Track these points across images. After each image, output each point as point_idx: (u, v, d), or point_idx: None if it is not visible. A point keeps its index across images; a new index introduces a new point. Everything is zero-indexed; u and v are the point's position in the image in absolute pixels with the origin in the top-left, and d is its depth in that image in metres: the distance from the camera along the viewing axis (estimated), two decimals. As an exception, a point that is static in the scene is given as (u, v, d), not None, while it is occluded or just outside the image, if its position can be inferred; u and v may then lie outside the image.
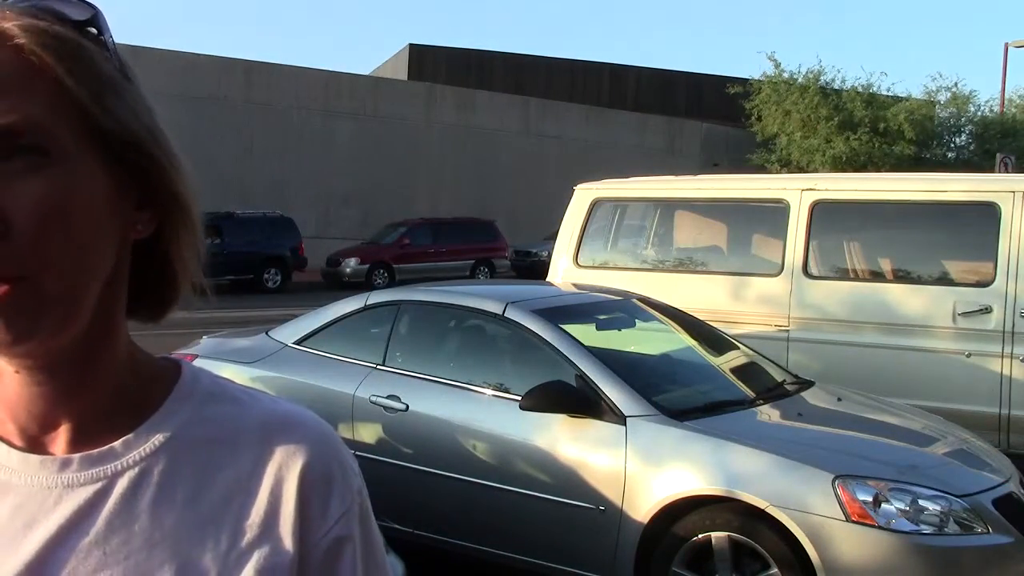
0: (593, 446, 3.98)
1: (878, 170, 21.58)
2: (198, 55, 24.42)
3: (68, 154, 0.65)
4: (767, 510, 3.57)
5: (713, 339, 5.27)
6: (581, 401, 4.04)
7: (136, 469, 0.72)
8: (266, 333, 5.26)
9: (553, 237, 7.90)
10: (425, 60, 34.73)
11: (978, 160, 25.66)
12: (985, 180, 6.48)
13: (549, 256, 7.93)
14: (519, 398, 4.12)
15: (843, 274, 6.42)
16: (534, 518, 4.09)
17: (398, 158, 26.95)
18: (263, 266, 20.35)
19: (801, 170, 23.56)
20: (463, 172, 28.19)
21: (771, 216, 6.55)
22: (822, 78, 26.08)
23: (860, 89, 25.92)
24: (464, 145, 28.32)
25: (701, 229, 7.49)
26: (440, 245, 22.38)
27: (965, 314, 5.70)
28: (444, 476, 4.31)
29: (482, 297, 4.84)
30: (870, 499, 3.52)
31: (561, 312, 4.71)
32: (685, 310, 5.50)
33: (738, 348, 5.18)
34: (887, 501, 3.54)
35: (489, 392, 4.37)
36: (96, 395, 0.72)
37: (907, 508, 3.54)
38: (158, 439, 0.73)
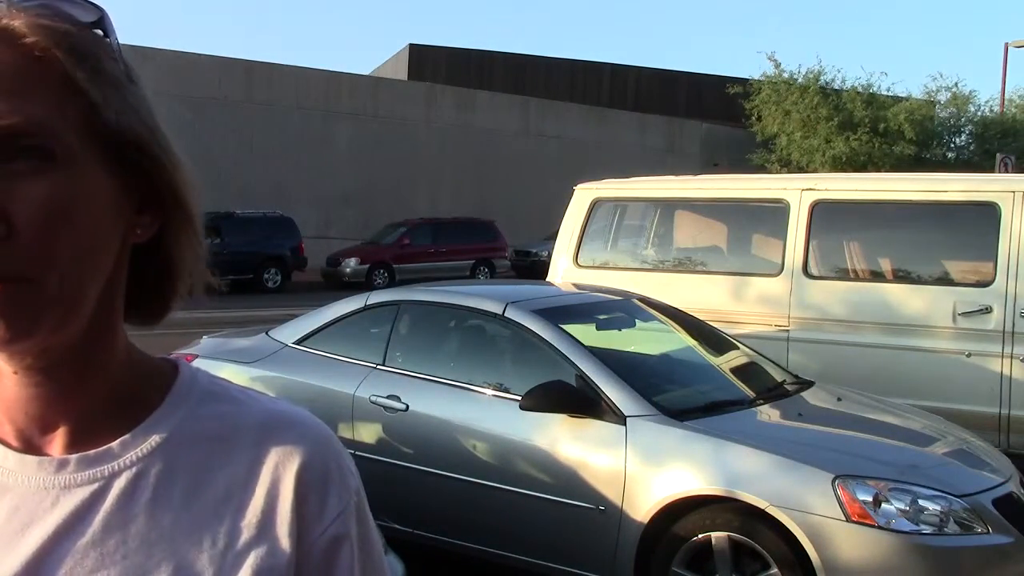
0: (593, 446, 3.98)
1: (878, 170, 21.58)
2: (198, 55, 24.42)
3: (73, 156, 0.65)
4: (767, 510, 3.57)
5: (713, 339, 5.27)
6: (581, 401, 4.04)
7: (133, 470, 0.72)
8: (266, 333, 5.26)
9: (553, 237, 7.90)
10: (425, 60, 34.73)
11: (978, 160, 25.66)
12: (985, 180, 6.48)
13: (549, 256, 7.92)
14: (519, 398, 4.12)
15: (843, 274, 6.42)
16: (534, 518, 4.09)
17: (398, 158, 26.95)
18: (263, 266, 20.35)
19: (801, 170, 23.56)
20: (463, 172, 28.19)
21: (771, 216, 6.55)
22: (822, 78, 26.09)
23: (860, 89, 25.92)
24: (464, 145, 28.32)
25: (701, 229, 7.49)
26: (440, 245, 22.37)
27: (965, 314, 5.70)
28: (444, 476, 4.31)
29: (482, 297, 4.84)
30: (870, 499, 3.52)
31: (561, 312, 4.71)
32: (685, 310, 5.50)
33: (738, 348, 5.18)
34: (887, 501, 3.54)
35: (489, 392, 4.37)
36: (94, 396, 0.72)
37: (907, 508, 3.54)
38: (155, 440, 0.73)
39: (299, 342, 5.03)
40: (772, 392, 4.65)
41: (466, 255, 22.51)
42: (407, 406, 4.47)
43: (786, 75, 26.13)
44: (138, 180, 0.70)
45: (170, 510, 0.71)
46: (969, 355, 5.66)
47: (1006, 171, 17.19)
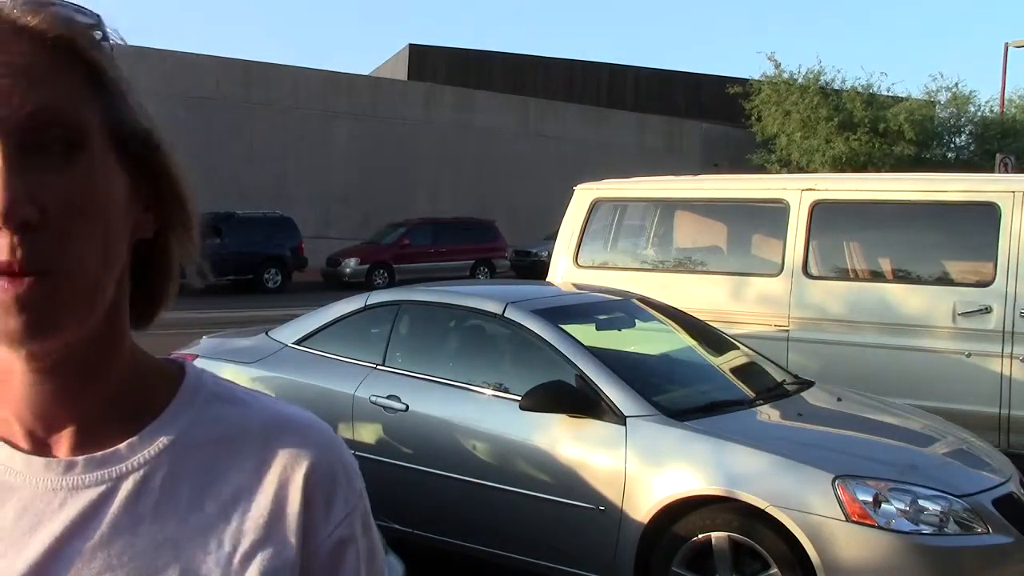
0: (593, 446, 3.98)
1: (878, 170, 21.58)
2: (198, 55, 24.42)
3: (97, 148, 0.67)
4: (767, 510, 3.57)
5: (713, 339, 5.27)
6: (581, 401, 4.04)
7: (140, 472, 0.72)
8: (266, 333, 5.26)
9: (553, 237, 7.90)
10: (425, 60, 34.73)
11: (978, 160, 25.66)
12: (985, 180, 6.48)
13: (549, 256, 7.92)
14: (519, 398, 4.12)
15: (843, 274, 6.42)
16: (534, 518, 4.09)
17: (398, 158, 26.95)
18: (263, 266, 20.36)
19: (801, 170, 23.56)
20: (463, 172, 28.19)
21: (771, 216, 6.55)
22: (822, 78, 26.09)
23: (860, 89, 25.92)
24: (464, 145, 28.32)
25: (701, 229, 7.49)
26: (440, 245, 22.38)
27: (965, 314, 5.70)
28: (444, 476, 4.31)
29: (482, 297, 4.84)
30: (870, 499, 3.52)
31: (561, 312, 4.71)
32: (685, 310, 5.50)
33: (738, 348, 5.18)
34: (887, 501, 3.53)
35: (489, 392, 4.37)
36: (101, 397, 0.73)
37: (907, 508, 3.54)
38: (162, 442, 0.73)
39: (299, 342, 5.03)
40: (772, 392, 4.65)
41: (466, 255, 22.51)
42: (407, 406, 4.47)
43: (786, 75, 26.14)
44: (144, 178, 0.71)
45: (177, 512, 0.72)
46: (969, 355, 5.66)
47: (1006, 171, 17.20)
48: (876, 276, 6.40)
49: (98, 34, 0.70)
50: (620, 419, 3.94)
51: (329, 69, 27.23)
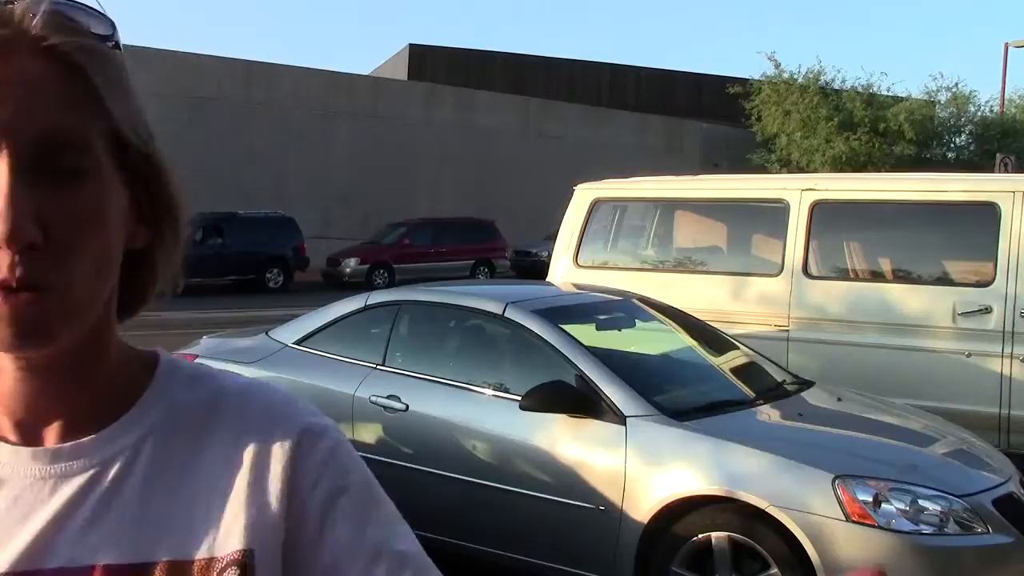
0: (593, 446, 3.98)
1: (878, 170, 21.57)
2: (198, 55, 24.43)
3: (102, 166, 0.68)
4: (767, 510, 3.57)
5: (713, 339, 5.27)
6: (581, 401, 4.04)
7: (126, 455, 0.74)
8: (266, 333, 5.26)
9: (553, 237, 7.89)
10: (425, 60, 34.75)
11: (978, 160, 25.65)
12: (985, 180, 6.48)
13: (549, 256, 7.92)
14: (519, 398, 4.12)
15: (843, 274, 6.42)
16: (534, 518, 4.09)
17: (398, 158, 26.95)
18: (265, 266, 20.36)
19: (801, 170, 23.55)
20: (463, 172, 28.18)
21: (771, 216, 6.55)
22: (822, 78, 26.07)
23: (860, 89, 25.91)
24: (464, 145, 28.32)
25: (701, 229, 7.49)
26: (440, 245, 22.38)
27: (965, 314, 5.70)
28: (444, 476, 4.32)
29: (482, 297, 4.84)
30: (870, 499, 3.52)
31: (561, 312, 4.71)
32: (685, 310, 5.50)
33: (738, 348, 5.18)
34: (887, 501, 3.54)
35: (489, 392, 4.37)
36: (89, 392, 0.75)
37: (907, 508, 3.54)
38: (146, 424, 0.75)
39: (299, 342, 5.03)
40: (772, 392, 4.65)
41: (466, 255, 22.51)
42: (407, 406, 4.47)
43: (786, 75, 26.12)
44: (140, 191, 0.73)
45: (163, 489, 0.74)
46: (969, 355, 5.66)
47: (1006, 171, 17.17)
48: (876, 276, 6.40)
49: (111, 43, 0.70)
50: (620, 419, 3.94)
51: (329, 69, 27.26)
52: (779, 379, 4.89)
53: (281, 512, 0.75)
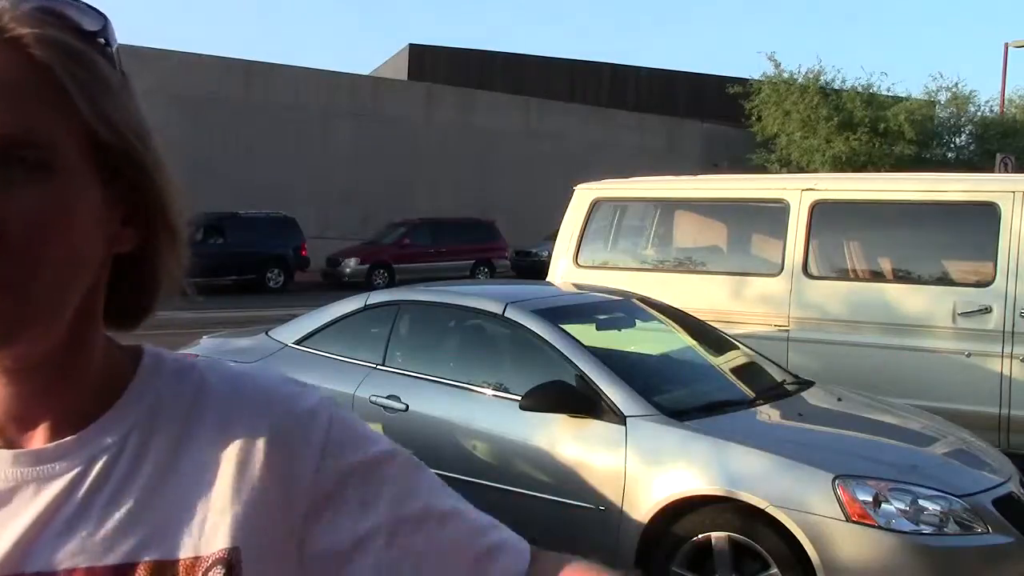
0: (593, 446, 3.98)
1: (878, 170, 21.57)
2: (198, 55, 24.42)
3: (68, 166, 0.66)
4: (767, 510, 3.57)
5: (713, 339, 5.27)
6: (581, 401, 4.04)
7: (110, 453, 0.73)
8: (266, 333, 5.26)
9: (553, 237, 7.90)
10: (425, 60, 34.73)
11: (978, 160, 25.64)
12: (985, 180, 6.48)
13: (549, 256, 7.92)
14: (519, 398, 4.12)
15: (843, 274, 6.42)
16: (534, 518, 4.09)
17: (398, 158, 26.95)
18: (265, 266, 20.36)
19: (801, 170, 23.54)
20: (463, 172, 28.18)
21: (771, 216, 6.55)
22: (822, 78, 26.05)
23: (860, 89, 25.88)
24: (464, 145, 28.31)
25: (701, 229, 7.50)
26: (440, 245, 22.37)
27: (965, 314, 5.70)
28: (444, 476, 4.28)
29: (482, 297, 4.84)
30: (870, 499, 3.52)
31: (561, 312, 4.72)
32: (685, 310, 5.50)
33: (738, 348, 5.18)
34: (887, 501, 3.54)
35: (489, 392, 4.38)
36: (72, 395, 0.73)
37: (907, 508, 3.54)
38: (129, 421, 0.74)
39: (299, 342, 5.03)
40: (772, 392, 4.65)
41: (466, 255, 22.50)
42: (407, 406, 4.47)
43: (786, 75, 26.11)
44: (125, 192, 0.71)
45: (150, 485, 0.72)
46: (969, 355, 5.66)
47: (1006, 171, 17.18)
48: (876, 276, 6.40)
49: (100, 39, 0.69)
50: (620, 419, 3.94)
51: (329, 69, 27.25)
52: (779, 379, 4.89)
53: (277, 504, 0.73)
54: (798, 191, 6.41)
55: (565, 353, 4.24)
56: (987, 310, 5.64)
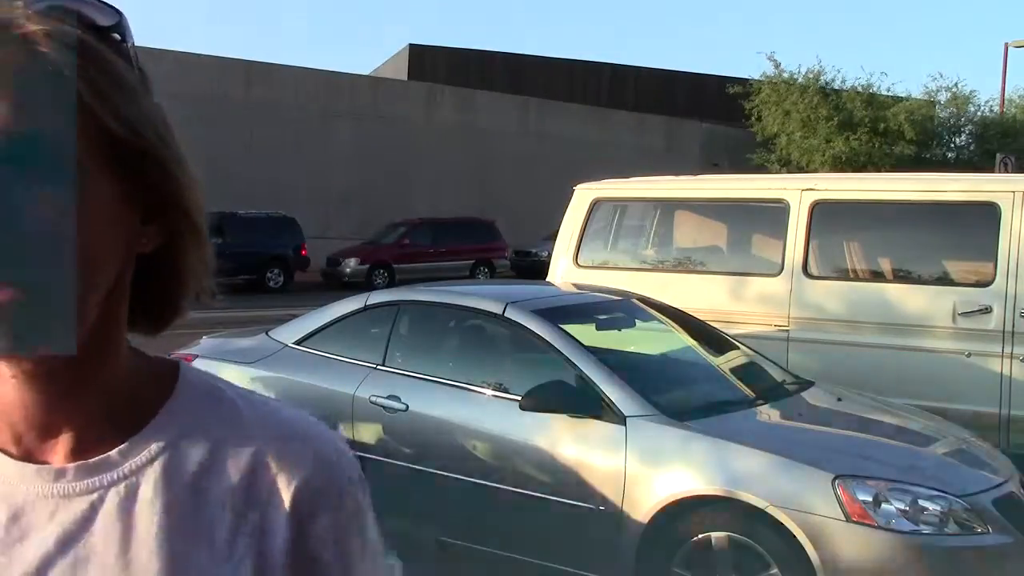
0: (593, 446, 3.98)
1: (878, 170, 21.57)
2: (198, 55, 24.42)
3: (81, 164, 0.65)
4: (767, 510, 3.57)
5: (713, 339, 5.27)
6: (581, 401, 4.04)
7: (132, 478, 0.71)
8: (266, 333, 5.26)
9: (553, 237, 7.89)
10: (425, 60, 34.73)
11: (978, 160, 25.65)
12: (985, 180, 6.48)
13: (549, 256, 7.92)
14: (519, 398, 4.12)
15: (843, 274, 6.42)
16: (534, 518, 4.09)
17: (398, 158, 26.94)
18: (266, 266, 20.37)
19: (801, 170, 23.55)
20: (463, 172, 28.17)
21: (771, 216, 6.55)
22: (822, 78, 26.07)
23: (860, 89, 25.90)
24: (464, 145, 28.30)
25: (701, 229, 7.49)
26: (440, 245, 22.37)
27: (965, 314, 5.70)
28: (444, 476, 4.31)
29: (482, 297, 4.84)
30: (870, 499, 3.52)
31: (561, 312, 4.71)
32: (685, 310, 5.50)
33: (738, 348, 5.18)
34: (887, 501, 3.54)
35: (489, 392, 4.37)
36: (94, 403, 0.72)
37: (907, 508, 3.54)
38: (155, 447, 0.72)
39: (299, 342, 5.03)
40: (772, 392, 4.65)
41: (466, 255, 22.51)
42: (407, 406, 4.47)
43: (786, 75, 26.12)
44: (144, 191, 0.69)
45: (169, 517, 0.71)
46: (969, 355, 5.66)
47: (1006, 171, 17.17)
48: (876, 276, 6.40)
49: (116, 34, 0.68)
50: (620, 419, 3.94)
51: (329, 69, 27.24)
52: (779, 379, 4.89)
53: (286, 562, 0.73)
54: (798, 191, 6.41)
55: (565, 353, 4.24)
56: (987, 310, 5.64)
